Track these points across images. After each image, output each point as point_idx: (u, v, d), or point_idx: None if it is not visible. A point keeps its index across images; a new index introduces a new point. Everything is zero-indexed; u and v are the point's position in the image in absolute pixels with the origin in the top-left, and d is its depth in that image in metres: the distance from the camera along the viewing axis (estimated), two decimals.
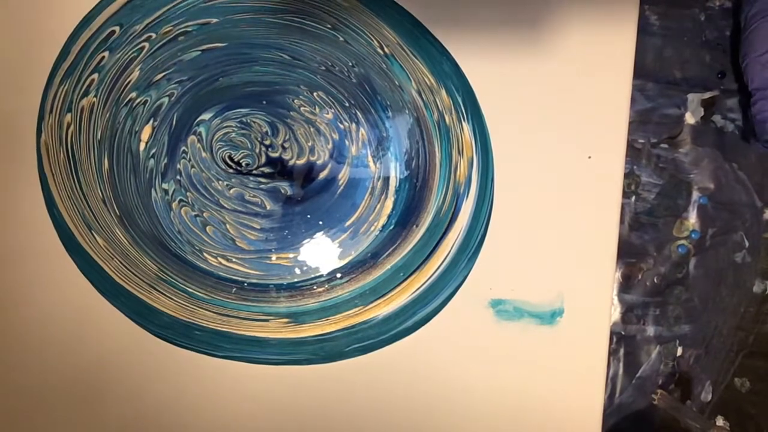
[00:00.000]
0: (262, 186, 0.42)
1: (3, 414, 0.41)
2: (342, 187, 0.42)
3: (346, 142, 0.42)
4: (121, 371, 0.41)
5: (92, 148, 0.42)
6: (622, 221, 0.49)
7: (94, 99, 0.42)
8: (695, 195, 0.57)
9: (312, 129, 0.42)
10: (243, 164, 0.42)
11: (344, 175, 0.42)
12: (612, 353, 0.55)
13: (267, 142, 0.42)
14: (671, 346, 0.56)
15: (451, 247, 0.42)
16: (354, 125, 0.42)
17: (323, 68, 0.42)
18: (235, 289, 0.42)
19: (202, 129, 0.42)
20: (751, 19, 0.54)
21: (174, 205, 0.42)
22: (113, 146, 0.42)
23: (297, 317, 0.42)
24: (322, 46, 0.42)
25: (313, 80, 0.42)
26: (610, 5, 0.42)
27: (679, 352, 0.56)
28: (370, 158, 0.42)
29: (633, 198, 0.56)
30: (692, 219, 0.57)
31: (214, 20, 0.42)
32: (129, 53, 0.42)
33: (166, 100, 0.42)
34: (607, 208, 0.42)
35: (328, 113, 0.42)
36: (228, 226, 0.42)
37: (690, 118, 0.57)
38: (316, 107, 0.42)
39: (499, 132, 0.42)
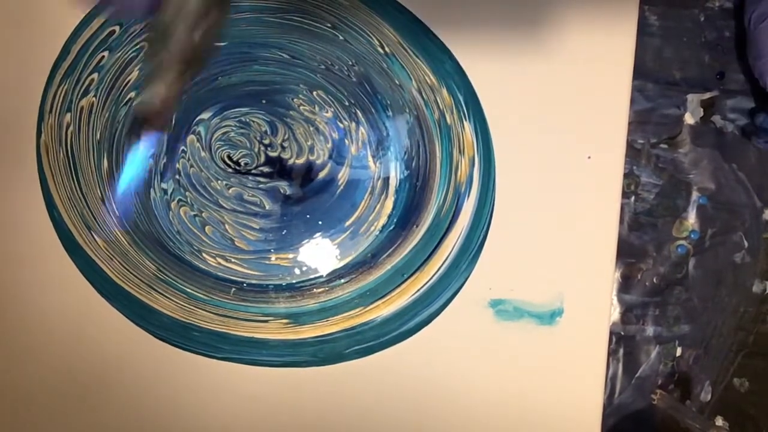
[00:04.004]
0: (261, 185, 0.42)
1: (2, 414, 0.41)
2: (341, 187, 0.42)
3: (346, 142, 0.42)
4: (120, 372, 0.41)
5: (92, 148, 0.42)
6: (621, 221, 0.49)
7: (94, 99, 0.42)
8: (695, 195, 0.57)
9: (311, 128, 0.42)
10: (242, 164, 0.42)
11: (344, 174, 0.42)
12: (611, 353, 0.55)
13: (266, 142, 0.42)
14: (671, 346, 0.56)
15: (452, 248, 0.42)
16: (354, 124, 0.42)
17: (323, 67, 0.42)
18: (234, 290, 0.42)
19: (201, 128, 0.42)
20: (757, 20, 0.54)
21: (173, 204, 0.42)
22: (113, 146, 0.42)
23: (296, 318, 0.41)
24: (322, 45, 0.42)
25: (312, 79, 0.42)
26: (610, 5, 0.42)
27: (679, 352, 0.56)
28: (370, 158, 0.42)
29: (632, 198, 0.56)
30: (692, 219, 0.57)
31: None
32: (128, 53, 0.42)
33: None
34: (607, 208, 0.42)
35: (327, 112, 0.42)
36: (227, 225, 0.42)
37: (689, 119, 0.57)
38: (316, 106, 0.42)
39: (499, 132, 0.42)
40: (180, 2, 0.27)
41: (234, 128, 0.42)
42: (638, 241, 0.56)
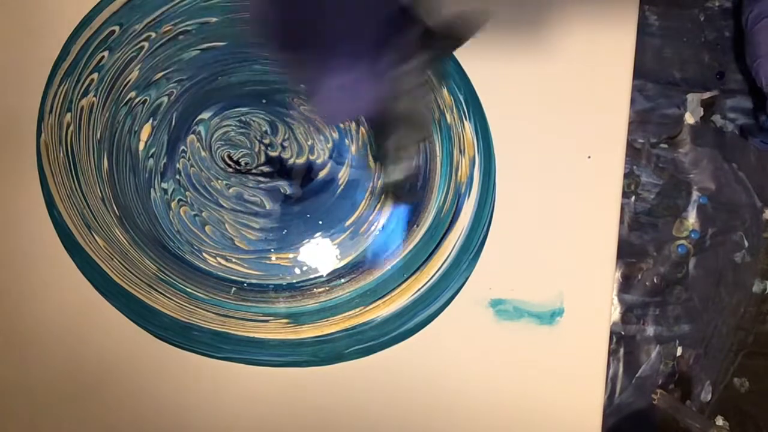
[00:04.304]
0: (261, 185, 0.42)
1: (2, 413, 0.41)
2: (342, 187, 0.42)
3: (346, 142, 0.42)
4: (120, 372, 0.41)
5: (92, 147, 0.42)
6: (621, 221, 0.49)
7: (94, 99, 0.42)
8: (695, 195, 0.57)
9: (311, 128, 0.42)
10: (242, 163, 0.42)
11: (344, 174, 0.42)
12: (612, 353, 0.55)
13: (266, 141, 0.42)
14: (671, 346, 0.56)
15: (453, 248, 0.41)
16: (354, 124, 0.42)
17: None
18: (234, 290, 0.42)
19: (201, 128, 0.42)
20: (754, 20, 0.54)
21: (173, 204, 0.42)
22: (113, 146, 0.42)
23: (296, 318, 0.41)
24: None
25: None
26: (610, 5, 0.42)
27: (679, 352, 0.56)
28: (370, 157, 0.42)
29: (633, 198, 0.56)
30: (692, 219, 0.57)
31: (214, 19, 0.42)
32: (128, 53, 0.42)
33: (165, 99, 0.42)
34: (607, 208, 0.42)
35: None
36: (227, 225, 0.42)
37: (689, 118, 0.57)
38: None
39: (500, 132, 0.42)
40: (412, 87, 0.29)
41: (234, 128, 0.42)
42: (638, 241, 0.56)
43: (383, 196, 0.41)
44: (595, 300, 0.42)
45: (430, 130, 0.31)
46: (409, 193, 0.34)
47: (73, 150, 0.42)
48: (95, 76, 0.42)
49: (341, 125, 0.42)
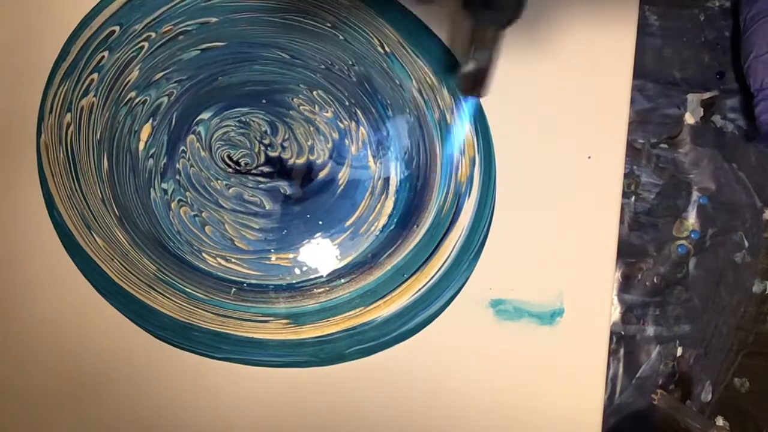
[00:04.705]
0: (261, 185, 0.42)
1: (1, 413, 0.41)
2: (342, 187, 0.42)
3: (346, 142, 0.42)
4: (120, 372, 0.41)
5: (92, 148, 0.42)
6: (621, 221, 0.49)
7: (94, 99, 0.42)
8: (695, 195, 0.57)
9: (312, 128, 0.42)
10: (242, 164, 0.42)
11: (344, 174, 0.42)
12: (612, 353, 0.55)
13: (266, 142, 0.42)
14: (671, 346, 0.56)
15: (453, 248, 0.42)
16: (354, 124, 0.42)
17: (323, 67, 0.42)
18: (234, 290, 0.42)
19: (201, 128, 0.42)
20: (751, 20, 0.54)
21: (173, 204, 0.42)
22: (112, 146, 0.42)
23: (296, 318, 0.41)
24: (322, 45, 0.42)
25: (312, 79, 0.42)
26: (610, 5, 0.42)
27: (679, 352, 0.56)
28: (370, 158, 0.42)
29: (633, 198, 0.56)
30: (692, 219, 0.57)
31: (214, 19, 0.42)
32: (128, 53, 0.42)
33: (165, 99, 0.42)
34: (607, 208, 0.42)
35: (327, 112, 0.42)
36: (227, 225, 0.42)
37: (689, 119, 0.57)
38: (316, 106, 0.42)
39: (499, 132, 0.42)
40: None
41: (234, 128, 0.42)
42: (638, 241, 0.56)
43: (459, 86, 0.42)
44: (595, 300, 0.42)
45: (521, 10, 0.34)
46: (482, 86, 0.38)
47: (73, 150, 0.42)
48: (95, 76, 0.42)
49: (341, 125, 0.42)
